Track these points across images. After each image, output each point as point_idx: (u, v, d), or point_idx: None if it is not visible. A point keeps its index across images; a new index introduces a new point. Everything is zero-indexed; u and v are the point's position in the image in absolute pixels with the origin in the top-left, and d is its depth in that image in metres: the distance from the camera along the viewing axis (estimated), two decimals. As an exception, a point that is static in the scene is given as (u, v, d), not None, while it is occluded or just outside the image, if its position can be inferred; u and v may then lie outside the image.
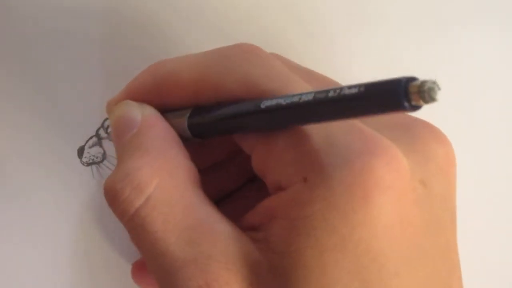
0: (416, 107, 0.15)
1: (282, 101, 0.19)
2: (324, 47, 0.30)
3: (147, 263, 0.21)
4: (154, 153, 0.21)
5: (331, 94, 0.17)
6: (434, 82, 0.15)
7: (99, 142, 0.28)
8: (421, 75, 0.15)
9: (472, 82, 0.31)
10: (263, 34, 0.29)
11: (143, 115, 0.22)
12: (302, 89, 0.20)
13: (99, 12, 0.28)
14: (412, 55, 0.30)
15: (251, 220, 0.21)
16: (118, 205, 0.21)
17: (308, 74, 0.23)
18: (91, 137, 0.28)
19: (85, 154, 0.28)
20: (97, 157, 0.28)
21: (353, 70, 0.29)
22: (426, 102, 0.15)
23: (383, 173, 0.18)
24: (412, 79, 0.15)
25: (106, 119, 0.28)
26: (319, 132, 0.19)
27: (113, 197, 0.21)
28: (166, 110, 0.23)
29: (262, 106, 0.19)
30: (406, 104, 0.15)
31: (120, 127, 0.23)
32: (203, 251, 0.19)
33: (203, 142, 0.23)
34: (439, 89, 0.15)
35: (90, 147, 0.28)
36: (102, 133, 0.28)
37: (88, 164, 0.28)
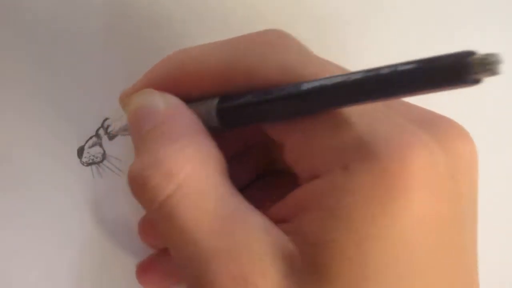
0: (477, 81, 0.15)
1: (327, 82, 0.18)
2: (333, 46, 0.30)
3: (173, 254, 0.20)
4: (185, 141, 0.21)
5: (384, 71, 0.17)
6: (497, 55, 0.15)
7: (99, 142, 0.28)
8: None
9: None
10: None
11: (167, 104, 0.22)
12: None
13: (100, 12, 0.28)
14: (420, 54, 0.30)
15: (281, 211, 0.20)
16: (146, 192, 0.20)
17: (337, 66, 0.23)
18: (91, 137, 0.28)
19: (85, 154, 0.28)
20: (97, 157, 0.28)
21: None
22: (490, 75, 0.15)
23: (423, 167, 0.18)
24: (472, 53, 0.15)
25: (106, 119, 0.28)
26: (361, 121, 0.19)
27: (141, 184, 0.20)
28: (187, 101, 0.22)
29: (304, 88, 0.19)
30: (469, 77, 0.15)
31: (141, 118, 0.22)
32: (237, 242, 0.19)
33: (219, 136, 0.23)
34: (502, 62, 0.15)
35: (90, 147, 0.28)
36: (102, 133, 0.28)
37: (88, 164, 0.28)
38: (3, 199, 0.28)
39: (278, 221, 0.20)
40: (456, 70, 0.15)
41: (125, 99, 0.24)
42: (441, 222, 0.19)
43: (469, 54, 0.15)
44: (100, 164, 0.28)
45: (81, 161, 0.28)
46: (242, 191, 0.26)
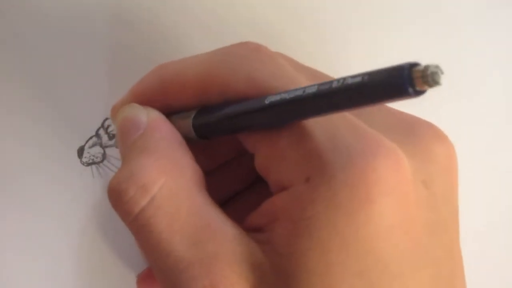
0: (420, 92, 0.15)
1: (286, 96, 0.19)
2: (324, 49, 0.30)
3: (150, 265, 0.21)
4: (160, 154, 0.21)
5: (334, 84, 0.17)
6: (437, 66, 0.15)
7: (99, 142, 0.28)
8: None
9: (472, 81, 0.31)
10: (263, 35, 0.29)
11: (148, 117, 0.22)
12: None
13: (101, 12, 0.28)
14: (412, 57, 0.30)
15: (255, 221, 0.21)
16: (122, 205, 0.21)
17: (313, 74, 0.23)
18: (91, 137, 0.28)
19: (85, 154, 0.28)
20: (97, 157, 0.28)
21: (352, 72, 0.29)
22: (430, 86, 0.15)
23: (386, 174, 0.18)
24: (414, 65, 0.15)
25: (106, 119, 0.28)
26: (322, 132, 0.19)
27: (117, 197, 0.21)
28: (171, 113, 0.23)
29: (267, 102, 0.19)
30: (410, 89, 0.15)
31: (126, 129, 0.22)
32: (208, 252, 0.19)
33: (208, 144, 0.23)
34: (442, 72, 0.15)
35: (90, 147, 0.28)
36: (102, 133, 0.28)
37: (88, 164, 0.28)
38: (2, 199, 0.28)
39: (252, 229, 0.20)
40: (398, 82, 0.15)
41: (113, 112, 0.24)
42: (413, 229, 0.19)
43: (410, 66, 0.15)
44: (100, 164, 0.28)
45: (81, 161, 0.28)
46: (243, 193, 0.26)
